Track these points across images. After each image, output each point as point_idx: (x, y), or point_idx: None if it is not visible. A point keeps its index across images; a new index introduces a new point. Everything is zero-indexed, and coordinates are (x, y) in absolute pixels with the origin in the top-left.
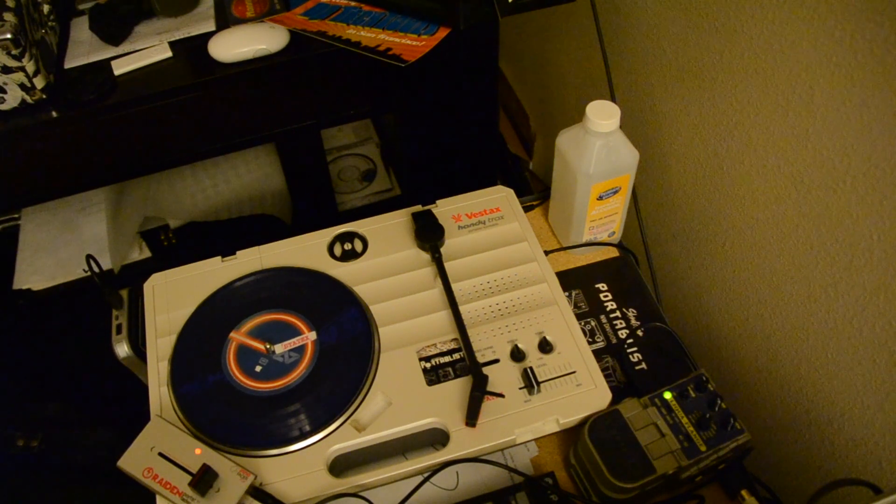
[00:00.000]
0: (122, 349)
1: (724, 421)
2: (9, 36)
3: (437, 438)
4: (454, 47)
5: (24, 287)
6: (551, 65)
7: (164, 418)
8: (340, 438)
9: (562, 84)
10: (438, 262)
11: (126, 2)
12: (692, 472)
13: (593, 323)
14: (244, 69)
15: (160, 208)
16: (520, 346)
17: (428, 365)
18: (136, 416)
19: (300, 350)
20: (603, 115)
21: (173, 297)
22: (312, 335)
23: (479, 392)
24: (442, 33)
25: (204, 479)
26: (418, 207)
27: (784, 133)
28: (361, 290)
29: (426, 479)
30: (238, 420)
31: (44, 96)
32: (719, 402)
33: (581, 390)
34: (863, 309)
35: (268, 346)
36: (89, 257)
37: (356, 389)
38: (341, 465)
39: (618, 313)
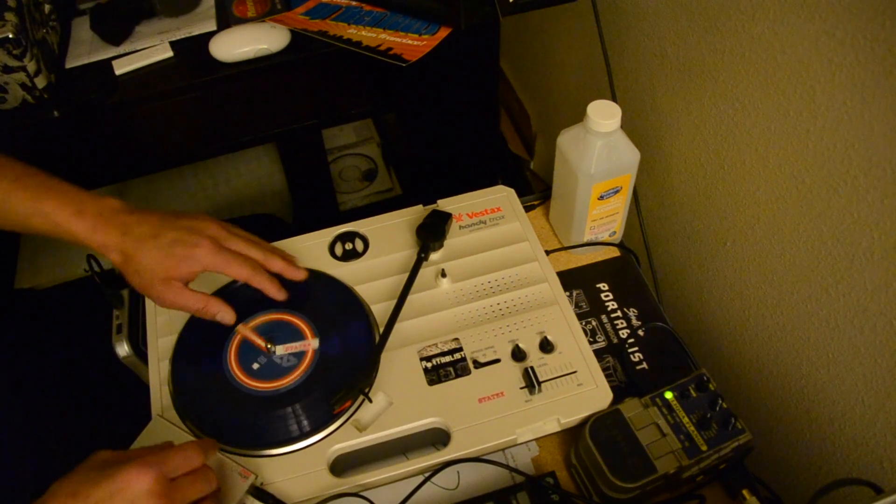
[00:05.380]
0: (123, 349)
1: (725, 420)
2: (10, 35)
3: (438, 438)
4: (455, 47)
5: (26, 287)
6: (552, 64)
7: (164, 418)
8: (341, 438)
9: (563, 84)
10: (419, 262)
11: (127, 1)
12: (693, 472)
13: (594, 322)
14: (245, 69)
15: (161, 208)
16: (521, 345)
17: (429, 365)
18: (137, 415)
19: (299, 355)
20: (604, 115)
21: None
22: (315, 342)
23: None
24: (443, 33)
25: None
26: (419, 207)
27: (785, 132)
28: (362, 290)
29: (427, 479)
30: (238, 419)
31: (45, 96)
32: (720, 401)
33: (582, 390)
34: (864, 308)
35: (269, 346)
36: (90, 257)
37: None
38: (342, 465)
39: (619, 313)
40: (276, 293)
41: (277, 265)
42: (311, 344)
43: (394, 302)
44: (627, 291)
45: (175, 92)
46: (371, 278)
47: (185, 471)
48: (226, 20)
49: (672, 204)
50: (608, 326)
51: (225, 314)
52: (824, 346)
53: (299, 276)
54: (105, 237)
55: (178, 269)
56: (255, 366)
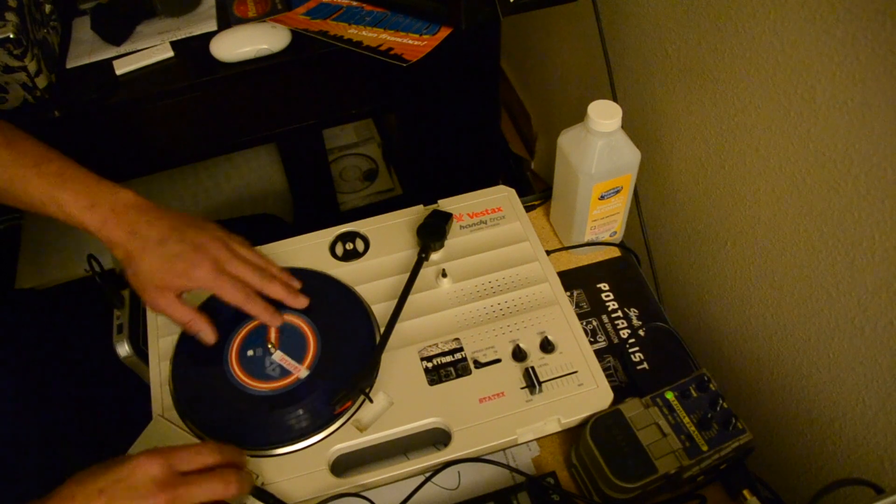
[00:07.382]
0: (123, 349)
1: (725, 420)
2: (11, 35)
3: (438, 438)
4: (456, 47)
5: (26, 287)
6: (553, 64)
7: (165, 418)
8: (342, 438)
9: (563, 84)
10: (419, 262)
11: (128, 1)
12: (694, 472)
13: (595, 323)
14: (246, 69)
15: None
16: (521, 345)
17: (429, 365)
18: (138, 415)
19: (300, 354)
20: (604, 115)
21: None
22: (316, 341)
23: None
24: (444, 33)
25: None
26: (420, 207)
27: (786, 132)
28: (363, 290)
29: (428, 479)
30: (239, 419)
31: (45, 96)
32: (721, 401)
33: (583, 390)
34: (864, 308)
35: (270, 347)
36: (91, 257)
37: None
38: (343, 465)
39: (619, 313)
40: (270, 320)
41: (277, 292)
42: (312, 342)
43: (394, 302)
44: (628, 291)
45: (175, 92)
46: (372, 278)
47: (197, 466)
48: (226, 20)
49: (673, 204)
50: (609, 326)
51: (206, 334)
52: (825, 346)
53: (299, 305)
54: (112, 233)
55: (173, 281)
56: (258, 367)
